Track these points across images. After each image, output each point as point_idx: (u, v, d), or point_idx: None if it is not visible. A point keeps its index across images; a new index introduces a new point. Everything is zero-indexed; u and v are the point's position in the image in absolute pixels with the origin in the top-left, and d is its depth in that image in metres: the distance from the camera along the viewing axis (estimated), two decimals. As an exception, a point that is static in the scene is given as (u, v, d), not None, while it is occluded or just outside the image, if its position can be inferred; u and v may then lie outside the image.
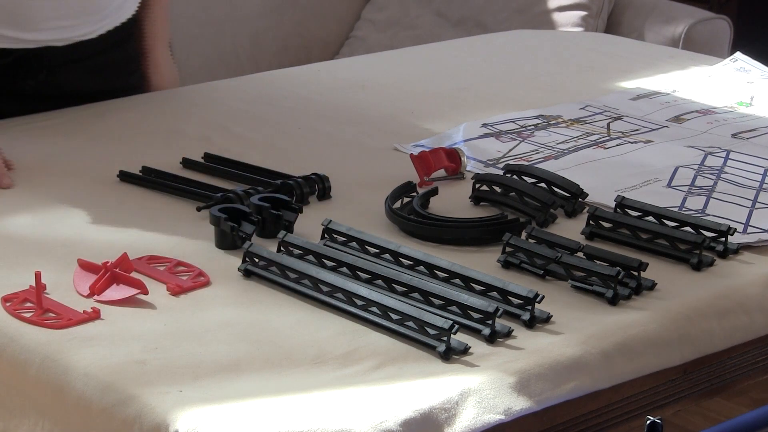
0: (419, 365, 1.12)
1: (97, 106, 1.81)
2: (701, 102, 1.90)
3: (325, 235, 1.36)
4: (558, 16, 3.16)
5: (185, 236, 1.38)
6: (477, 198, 1.49)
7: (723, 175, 1.57)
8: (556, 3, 3.18)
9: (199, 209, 1.43)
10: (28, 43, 1.79)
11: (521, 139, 1.70)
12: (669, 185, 1.54)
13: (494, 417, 1.09)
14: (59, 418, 1.11)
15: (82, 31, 1.82)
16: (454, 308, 1.20)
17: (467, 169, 1.58)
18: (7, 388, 1.16)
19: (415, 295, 1.22)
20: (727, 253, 1.36)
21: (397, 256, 1.30)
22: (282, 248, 1.31)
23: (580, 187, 1.47)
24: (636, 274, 1.27)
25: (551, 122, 1.77)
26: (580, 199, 1.47)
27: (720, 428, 1.04)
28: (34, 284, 1.22)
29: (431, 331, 1.15)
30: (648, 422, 1.03)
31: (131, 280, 1.24)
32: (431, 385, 1.09)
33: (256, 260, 1.28)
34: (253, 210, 1.37)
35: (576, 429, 1.18)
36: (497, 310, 1.17)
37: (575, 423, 1.18)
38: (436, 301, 1.21)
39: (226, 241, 1.35)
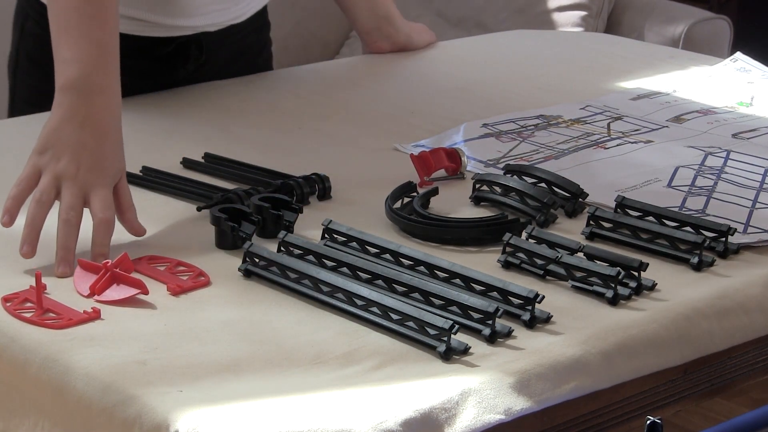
0: (419, 365, 1.12)
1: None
2: (701, 102, 1.90)
3: (326, 235, 1.36)
4: (558, 16, 3.16)
5: (185, 236, 1.38)
6: (477, 198, 1.49)
7: (723, 175, 1.57)
8: (556, 3, 3.18)
9: (199, 209, 1.43)
10: (186, 30, 1.85)
11: (521, 139, 1.70)
12: (669, 185, 1.54)
13: (494, 417, 1.09)
14: (59, 418, 1.11)
15: (233, 15, 1.90)
16: (454, 308, 1.20)
17: (467, 169, 1.58)
18: (7, 388, 1.16)
19: (416, 295, 1.22)
20: (727, 253, 1.36)
21: (397, 256, 1.30)
22: (282, 248, 1.31)
23: (581, 187, 1.47)
24: (636, 274, 1.27)
25: (551, 122, 1.77)
26: (580, 200, 1.47)
27: (720, 428, 1.04)
28: (34, 284, 1.22)
29: (431, 331, 1.15)
30: (648, 422, 1.03)
31: (131, 280, 1.24)
32: (431, 385, 1.09)
33: (257, 260, 1.28)
34: (254, 210, 1.37)
35: (576, 429, 1.18)
36: (497, 310, 1.17)
37: (575, 423, 1.18)
38: (437, 301, 1.21)
39: (227, 241, 1.35)
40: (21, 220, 1.34)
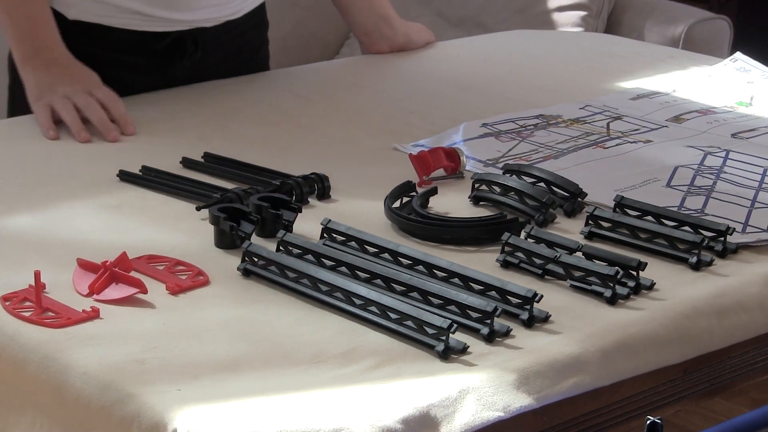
0: (418, 364, 1.12)
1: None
2: (701, 102, 1.90)
3: (325, 235, 1.36)
4: (558, 16, 3.16)
5: (184, 236, 1.38)
6: (476, 198, 1.49)
7: (722, 175, 1.57)
8: (556, 3, 3.18)
9: (198, 208, 1.43)
10: (182, 24, 1.86)
11: (521, 139, 1.70)
12: (668, 185, 1.54)
13: (493, 414, 1.09)
14: (58, 417, 1.11)
15: (230, 11, 1.92)
16: (452, 308, 1.20)
17: (466, 168, 1.58)
18: (6, 386, 1.16)
19: (414, 294, 1.22)
20: (726, 252, 1.36)
21: (396, 256, 1.30)
22: (281, 248, 1.31)
23: (580, 186, 1.47)
24: (635, 273, 1.27)
25: (551, 122, 1.77)
26: (579, 199, 1.47)
27: (720, 428, 1.05)
28: (33, 283, 1.22)
29: (430, 331, 1.15)
30: (648, 422, 1.03)
31: (130, 280, 1.24)
32: (430, 384, 1.09)
33: (255, 260, 1.28)
34: (253, 209, 1.37)
35: (576, 429, 1.18)
36: (496, 309, 1.17)
37: (575, 423, 1.18)
38: (435, 301, 1.21)
39: (226, 241, 1.35)
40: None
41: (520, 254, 1.31)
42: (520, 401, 1.10)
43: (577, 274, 1.27)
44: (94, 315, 1.20)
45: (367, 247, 1.33)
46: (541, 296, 1.20)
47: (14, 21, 1.76)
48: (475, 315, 1.18)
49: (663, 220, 1.40)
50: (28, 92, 1.73)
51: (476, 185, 1.50)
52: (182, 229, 1.40)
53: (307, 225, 1.39)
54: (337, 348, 1.15)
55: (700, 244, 1.33)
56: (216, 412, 1.04)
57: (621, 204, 1.43)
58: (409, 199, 1.45)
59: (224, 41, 1.92)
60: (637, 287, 1.27)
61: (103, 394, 1.08)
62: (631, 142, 1.69)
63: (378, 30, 2.10)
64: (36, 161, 1.61)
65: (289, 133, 1.73)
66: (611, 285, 1.25)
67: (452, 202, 1.48)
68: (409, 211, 1.43)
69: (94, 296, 1.23)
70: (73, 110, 1.68)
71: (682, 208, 1.46)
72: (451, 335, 1.14)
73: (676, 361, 1.23)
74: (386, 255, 1.31)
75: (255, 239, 1.35)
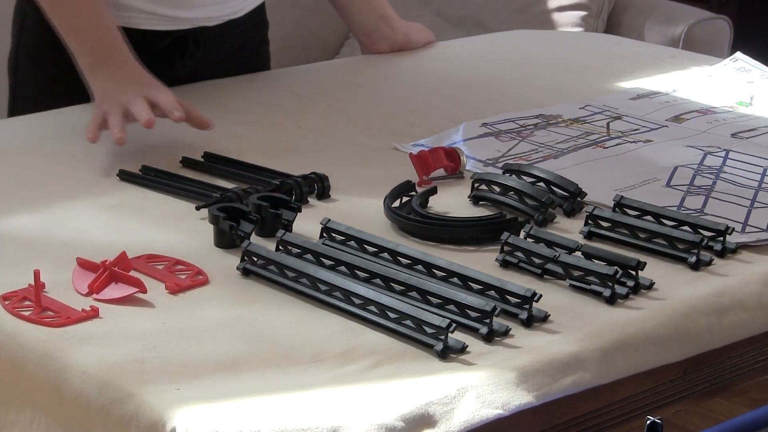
0: (417, 364, 1.12)
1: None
2: (701, 102, 1.90)
3: (324, 234, 1.36)
4: (558, 16, 3.16)
5: (184, 235, 1.38)
6: (476, 197, 1.49)
7: (722, 175, 1.57)
8: (556, 3, 3.18)
9: (198, 208, 1.43)
10: (184, 22, 1.86)
11: (520, 139, 1.70)
12: (668, 185, 1.54)
13: (492, 412, 1.09)
14: (56, 415, 1.11)
15: (231, 9, 1.91)
16: (451, 307, 1.20)
17: (466, 168, 1.58)
18: (5, 385, 1.16)
19: (413, 293, 1.22)
20: (725, 252, 1.36)
21: (395, 255, 1.30)
22: (281, 247, 1.31)
23: (579, 186, 1.47)
24: (634, 273, 1.27)
25: (551, 122, 1.77)
26: (578, 199, 1.47)
27: (720, 428, 1.05)
28: (33, 283, 1.22)
29: (429, 330, 1.15)
30: (648, 422, 1.03)
31: (130, 279, 1.24)
32: (429, 383, 1.09)
33: (255, 259, 1.28)
34: (252, 209, 1.37)
35: (576, 429, 1.18)
36: (495, 308, 1.17)
37: (575, 423, 1.18)
38: (434, 300, 1.21)
39: (225, 240, 1.35)
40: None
41: (519, 254, 1.31)
42: (520, 399, 1.10)
43: (577, 273, 1.27)
44: (93, 314, 1.20)
45: (366, 246, 1.33)
46: (540, 296, 1.20)
47: (79, 29, 1.72)
48: (474, 314, 1.18)
49: (662, 220, 1.40)
50: (95, 98, 1.68)
51: (476, 185, 1.50)
52: (182, 229, 1.40)
53: (307, 225, 1.39)
54: (337, 347, 1.15)
55: (700, 243, 1.33)
56: (215, 411, 1.04)
57: (620, 204, 1.43)
58: (408, 198, 1.45)
59: (225, 40, 1.92)
60: (636, 287, 1.27)
61: (102, 393, 1.08)
62: (631, 142, 1.69)
63: (378, 30, 2.10)
64: (36, 161, 1.61)
65: (288, 133, 1.73)
66: (610, 284, 1.25)
67: (452, 202, 1.48)
68: (409, 210, 1.43)
69: (94, 296, 1.23)
70: (119, 115, 1.61)
71: (682, 208, 1.46)
72: (450, 335, 1.14)
73: (675, 360, 1.23)
74: (385, 254, 1.31)
75: (254, 239, 1.35)
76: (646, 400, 1.23)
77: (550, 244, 1.32)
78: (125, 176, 1.54)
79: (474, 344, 1.16)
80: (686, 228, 1.38)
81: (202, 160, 1.60)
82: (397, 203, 1.44)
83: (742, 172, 1.58)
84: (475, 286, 1.24)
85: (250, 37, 1.99)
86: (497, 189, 1.48)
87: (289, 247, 1.31)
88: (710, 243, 1.36)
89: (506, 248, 1.32)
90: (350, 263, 1.27)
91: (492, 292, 1.23)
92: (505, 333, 1.18)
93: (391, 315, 1.18)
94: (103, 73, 1.68)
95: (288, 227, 1.37)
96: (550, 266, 1.29)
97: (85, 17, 1.72)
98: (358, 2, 2.08)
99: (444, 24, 3.27)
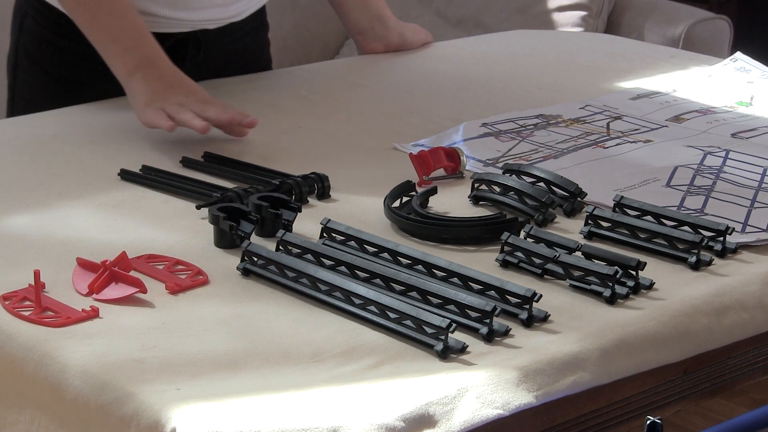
0: (417, 364, 1.12)
1: (98, 104, 1.81)
2: (701, 102, 1.90)
3: (324, 234, 1.36)
4: (558, 16, 3.16)
5: (184, 235, 1.38)
6: (476, 197, 1.49)
7: (722, 175, 1.57)
8: (556, 3, 3.18)
9: (198, 208, 1.43)
10: (185, 25, 1.86)
11: (521, 139, 1.70)
12: (668, 185, 1.54)
13: (493, 412, 1.09)
14: (56, 415, 1.11)
15: (234, 12, 1.91)
16: (451, 307, 1.20)
17: (466, 168, 1.58)
18: (5, 385, 1.16)
19: (413, 293, 1.22)
20: (725, 252, 1.36)
21: (395, 255, 1.30)
22: (281, 247, 1.31)
23: (579, 186, 1.47)
24: (634, 273, 1.27)
25: (551, 122, 1.77)
26: (578, 199, 1.47)
27: (720, 428, 1.04)
28: (33, 283, 1.22)
29: (429, 330, 1.15)
30: (648, 422, 1.03)
31: (130, 279, 1.24)
32: (429, 382, 1.09)
33: (255, 259, 1.28)
34: (252, 209, 1.37)
35: (576, 429, 1.18)
36: (495, 309, 1.17)
37: (575, 423, 1.18)
38: (434, 300, 1.21)
39: (225, 240, 1.35)
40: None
41: (519, 254, 1.31)
42: (520, 399, 1.10)
43: (577, 273, 1.27)
44: (93, 314, 1.20)
45: (366, 246, 1.33)
46: (541, 296, 1.20)
47: (114, 33, 1.72)
48: (474, 314, 1.18)
49: (662, 220, 1.40)
50: (137, 100, 1.66)
51: (476, 185, 1.50)
52: (182, 229, 1.40)
53: (307, 224, 1.39)
54: (337, 347, 1.15)
55: (700, 243, 1.33)
56: (215, 411, 1.04)
57: (620, 204, 1.43)
58: (408, 198, 1.45)
59: (225, 43, 1.92)
60: (636, 287, 1.27)
61: (101, 392, 1.08)
62: (631, 142, 1.69)
63: (372, 29, 2.10)
64: (36, 161, 1.61)
65: (288, 133, 1.73)
66: (610, 284, 1.25)
67: (452, 202, 1.48)
68: (409, 210, 1.43)
69: (94, 295, 1.23)
70: (189, 111, 1.63)
71: (682, 208, 1.46)
72: (450, 335, 1.14)
73: (676, 359, 1.23)
74: (385, 254, 1.31)
75: (254, 239, 1.35)
76: (646, 400, 1.23)
77: (550, 244, 1.32)
78: (126, 176, 1.54)
79: (474, 344, 1.16)
80: (686, 228, 1.38)
81: (202, 160, 1.60)
82: (397, 203, 1.44)
83: (742, 172, 1.58)
84: (475, 286, 1.24)
85: (251, 40, 1.99)
86: (497, 189, 1.48)
87: (289, 247, 1.31)
88: (710, 243, 1.36)
89: (506, 248, 1.32)
90: (350, 263, 1.27)
91: (492, 292, 1.23)
92: (506, 333, 1.18)
93: (391, 315, 1.18)
94: (143, 74, 1.67)
95: (288, 227, 1.37)
96: (550, 266, 1.29)
97: (118, 17, 1.71)
98: (354, 1, 2.08)
99: (444, 24, 3.27)
